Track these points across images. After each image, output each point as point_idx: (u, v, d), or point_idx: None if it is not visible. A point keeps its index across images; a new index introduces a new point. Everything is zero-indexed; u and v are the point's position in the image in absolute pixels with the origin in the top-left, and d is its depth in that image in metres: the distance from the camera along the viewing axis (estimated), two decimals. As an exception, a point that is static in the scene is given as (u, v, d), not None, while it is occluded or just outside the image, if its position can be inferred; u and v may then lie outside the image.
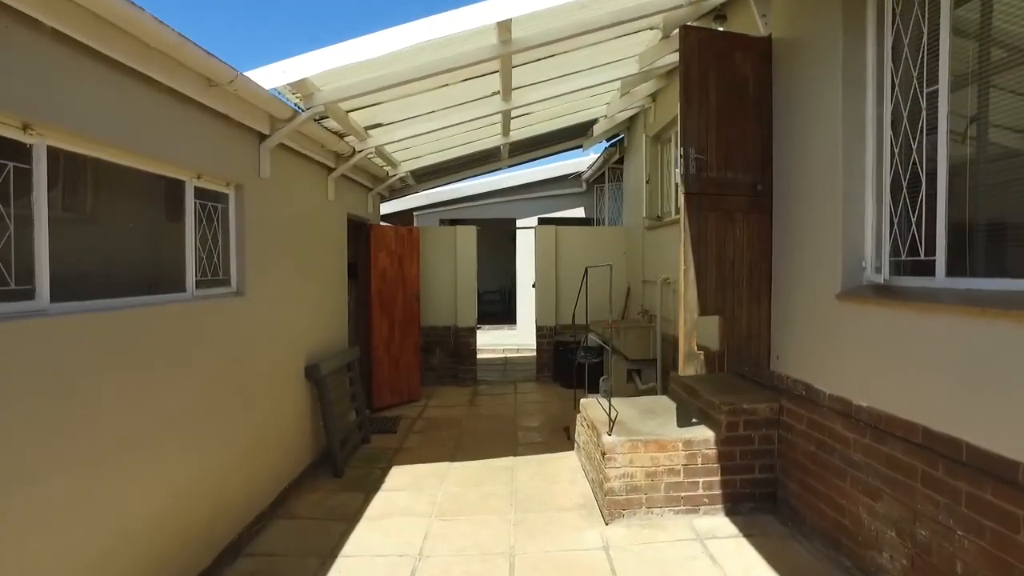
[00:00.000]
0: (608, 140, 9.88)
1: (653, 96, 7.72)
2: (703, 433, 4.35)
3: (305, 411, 5.38)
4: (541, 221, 12.91)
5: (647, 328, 7.42)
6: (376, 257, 7.83)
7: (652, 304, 7.70)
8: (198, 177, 3.69)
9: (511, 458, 5.94)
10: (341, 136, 5.72)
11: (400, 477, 5.46)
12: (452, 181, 9.66)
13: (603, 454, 4.31)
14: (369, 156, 6.75)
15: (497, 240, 17.26)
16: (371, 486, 5.24)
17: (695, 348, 4.25)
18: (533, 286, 9.64)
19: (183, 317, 3.44)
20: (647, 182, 7.87)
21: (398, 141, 6.23)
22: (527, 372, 10.29)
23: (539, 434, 6.81)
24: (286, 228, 4.97)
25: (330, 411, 5.47)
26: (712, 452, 4.29)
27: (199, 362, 3.58)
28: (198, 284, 3.71)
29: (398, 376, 8.18)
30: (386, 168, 7.71)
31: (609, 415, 4.57)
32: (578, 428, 5.80)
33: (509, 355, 12.08)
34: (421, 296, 8.86)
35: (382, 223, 8.67)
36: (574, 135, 9.13)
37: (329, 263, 6.18)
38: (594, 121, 8.55)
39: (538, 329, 9.35)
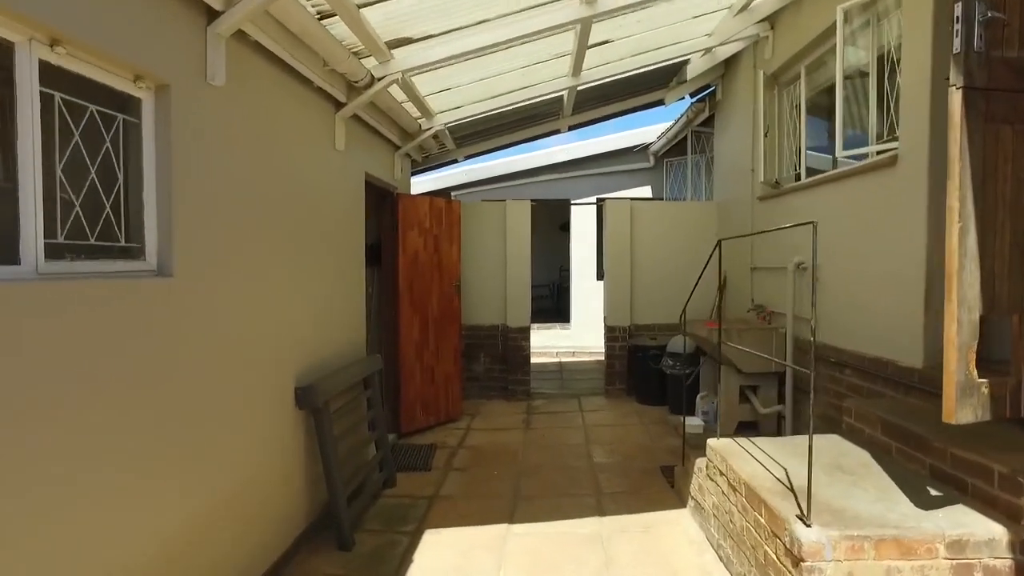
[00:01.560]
0: (692, 96, 7.92)
1: (771, 22, 5.76)
2: (979, 528, 2.42)
3: (296, 453, 3.62)
4: (600, 202, 11.02)
5: (768, 331, 5.47)
6: (405, 237, 6.07)
7: (771, 299, 5.75)
8: (51, 44, 1.93)
9: (596, 519, 4.09)
10: (354, 55, 3.95)
11: (436, 552, 3.67)
12: (500, 146, 7.83)
13: (796, 560, 2.42)
14: (395, 95, 4.97)
15: (545, 226, 15.38)
16: (392, 569, 3.46)
17: (974, 375, 2.33)
18: (600, 278, 7.74)
19: (11, 313, 1.69)
20: (765, 135, 5.91)
21: (434, 66, 4.43)
22: (591, 383, 8.42)
23: (626, 477, 4.93)
24: (260, 175, 3.20)
25: (332, 454, 3.70)
26: (1004, 566, 2.37)
27: (71, 392, 1.83)
28: (51, 252, 1.95)
29: (433, 390, 6.41)
30: (419, 120, 5.93)
31: (796, 495, 2.67)
32: (698, 481, 3.92)
33: (564, 359, 10.23)
34: (462, 288, 7.09)
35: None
36: (655, 84, 7.21)
37: (338, 240, 4.43)
38: (685, 63, 6.62)
39: (608, 330, 7.46)
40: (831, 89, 4.82)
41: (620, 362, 7.45)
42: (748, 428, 5.63)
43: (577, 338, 10.95)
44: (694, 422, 5.77)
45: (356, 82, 4.19)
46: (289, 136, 3.57)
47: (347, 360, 4.51)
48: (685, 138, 9.20)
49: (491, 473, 5.04)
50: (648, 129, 10.60)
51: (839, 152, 4.48)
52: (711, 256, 4.51)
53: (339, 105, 4.30)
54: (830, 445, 3.50)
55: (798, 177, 5.53)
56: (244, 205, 2.99)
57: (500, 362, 7.56)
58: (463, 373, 7.18)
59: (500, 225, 7.46)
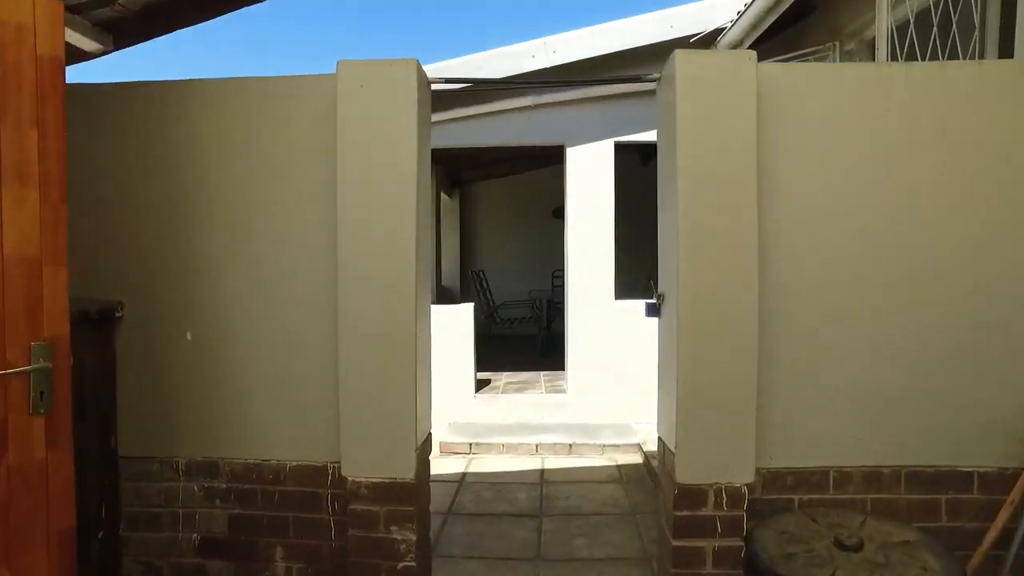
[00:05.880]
0: None
1: None
2: None
3: None
4: (619, 147, 5.87)
5: None
6: None
7: None
8: None
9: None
10: None
11: None
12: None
13: None
14: None
15: (527, 210, 10.24)
16: None
17: None
18: (658, 302, 2.45)
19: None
20: None
21: None
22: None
23: None
24: None
25: None
26: None
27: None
28: None
29: None
30: None
31: None
32: None
33: (550, 463, 5.06)
34: (184, 345, 1.99)
35: None
36: None
37: None
38: None
39: (680, 496, 2.19)
40: None
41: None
42: None
43: (577, 408, 5.77)
44: None
45: None
46: None
47: None
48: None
49: None
50: (708, 3, 5.44)
51: None
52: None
53: None
54: None
55: None
56: None
57: (331, 573, 2.41)
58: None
59: (322, 160, 2.31)
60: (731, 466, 2.15)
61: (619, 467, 4.91)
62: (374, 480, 2.24)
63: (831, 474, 2.24)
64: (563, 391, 6.05)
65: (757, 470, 2.21)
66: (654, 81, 2.39)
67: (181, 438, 2.45)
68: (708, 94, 2.15)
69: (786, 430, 2.23)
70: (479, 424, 5.67)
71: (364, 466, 2.25)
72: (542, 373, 6.97)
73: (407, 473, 2.24)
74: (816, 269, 2.22)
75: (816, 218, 2.22)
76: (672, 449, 2.19)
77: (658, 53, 5.58)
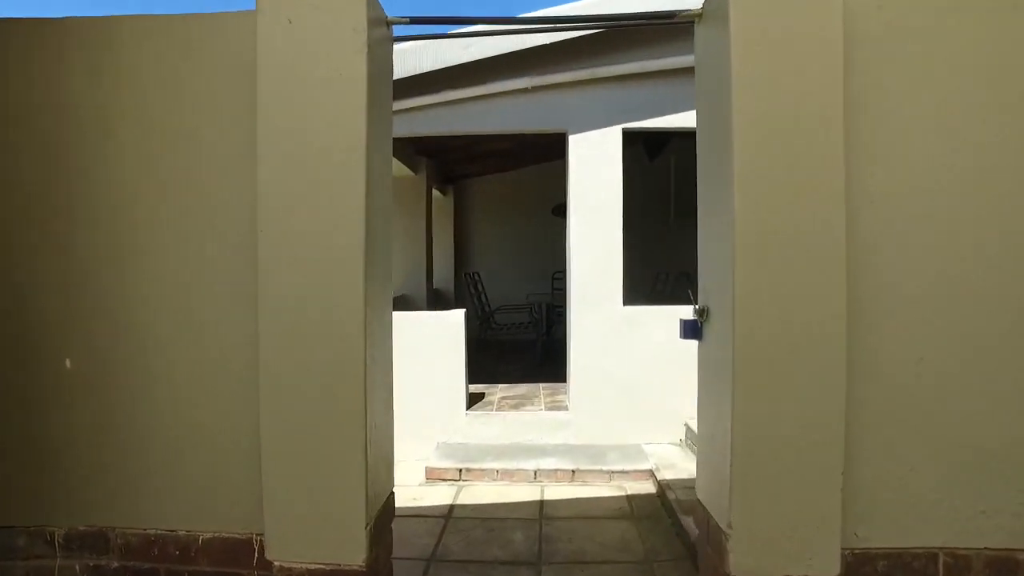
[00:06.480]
0: None
1: None
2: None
3: None
4: (628, 135, 5.25)
5: None
6: None
7: None
8: None
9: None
10: None
11: None
12: None
13: None
14: None
15: (521, 200, 9.66)
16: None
17: None
18: (699, 320, 1.85)
19: None
20: None
21: None
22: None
23: None
24: None
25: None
26: None
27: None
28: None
29: None
30: None
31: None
32: None
33: (551, 492, 4.45)
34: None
35: None
36: None
37: None
38: None
39: None
40: None
41: None
42: None
43: (580, 427, 5.16)
44: None
45: None
46: None
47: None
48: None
49: None
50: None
51: None
52: None
53: None
54: None
55: None
56: None
57: None
58: None
59: (243, 129, 1.71)
60: (808, 551, 1.54)
61: (629, 498, 4.30)
62: (310, 567, 1.63)
63: (940, 558, 1.63)
64: (564, 408, 5.44)
65: (839, 552, 1.60)
66: (690, 21, 1.78)
67: (58, 502, 1.83)
68: (775, 37, 1.53)
69: (878, 497, 1.62)
70: (471, 446, 5.06)
71: (295, 547, 1.63)
72: (541, 385, 6.36)
73: (354, 557, 1.62)
74: (923, 277, 1.61)
75: (924, 208, 1.61)
76: (724, 527, 1.57)
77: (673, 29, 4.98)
